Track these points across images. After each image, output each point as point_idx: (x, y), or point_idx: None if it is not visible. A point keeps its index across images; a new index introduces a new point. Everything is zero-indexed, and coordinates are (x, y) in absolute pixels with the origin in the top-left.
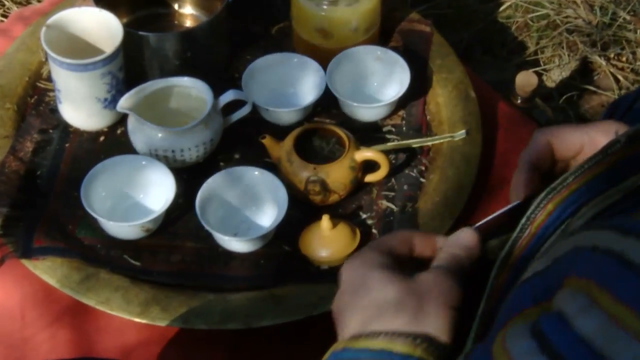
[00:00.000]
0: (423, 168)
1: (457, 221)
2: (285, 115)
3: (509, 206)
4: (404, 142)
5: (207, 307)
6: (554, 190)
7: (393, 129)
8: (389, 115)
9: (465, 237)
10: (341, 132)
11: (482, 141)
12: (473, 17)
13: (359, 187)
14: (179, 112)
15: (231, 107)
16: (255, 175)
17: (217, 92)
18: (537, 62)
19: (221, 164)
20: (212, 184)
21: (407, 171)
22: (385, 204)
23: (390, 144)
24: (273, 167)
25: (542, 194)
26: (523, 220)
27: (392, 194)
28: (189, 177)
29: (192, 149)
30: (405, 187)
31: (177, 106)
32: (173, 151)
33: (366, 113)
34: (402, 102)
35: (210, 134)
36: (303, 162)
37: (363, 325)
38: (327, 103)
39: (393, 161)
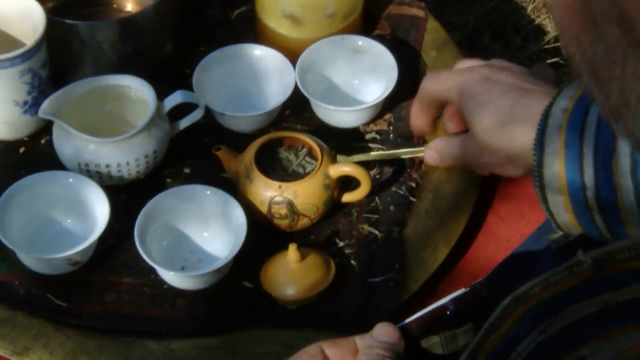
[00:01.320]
0: (413, 185)
1: (454, 251)
2: (245, 121)
3: (446, 299)
4: (391, 152)
5: (148, 357)
6: (519, 299)
7: (378, 137)
8: (373, 120)
9: (385, 334)
10: (313, 142)
11: None
12: None
13: (334, 208)
14: (116, 118)
15: (180, 112)
16: (208, 194)
17: (163, 92)
18: (557, 52)
19: (167, 180)
20: (156, 206)
21: (394, 188)
22: (367, 228)
23: (373, 154)
24: (230, 184)
25: (507, 301)
26: (487, 326)
27: (376, 216)
28: (127, 197)
29: (131, 163)
30: (392, 208)
31: (114, 111)
32: (108, 166)
33: (344, 117)
34: (389, 104)
35: (153, 144)
36: (266, 179)
37: None
38: (297, 106)
39: (377, 176)
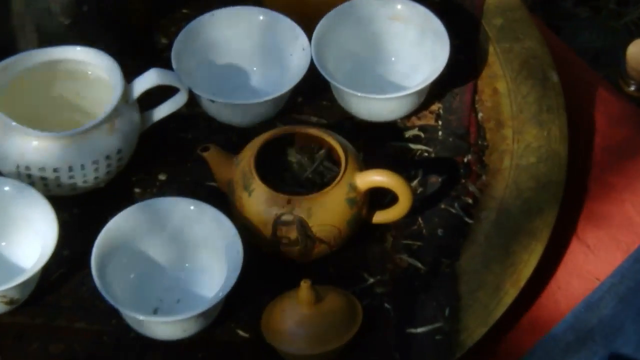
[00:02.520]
0: (470, 200)
1: (525, 292)
2: (242, 111)
3: None
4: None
5: None
6: None
7: (421, 135)
8: (416, 112)
9: None
10: (334, 141)
11: (568, 156)
12: None
13: (362, 232)
14: (68, 104)
15: (154, 97)
16: (192, 211)
17: (132, 71)
18: None
19: (136, 191)
20: (120, 226)
21: (443, 205)
22: (406, 260)
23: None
24: (221, 198)
25: None
26: None
27: (418, 243)
28: (81, 213)
29: (87, 166)
30: (440, 232)
31: (65, 95)
32: (56, 170)
33: (377, 108)
34: (438, 90)
35: (117, 141)
36: (270, 191)
37: None
38: (313, 91)
39: (419, 188)
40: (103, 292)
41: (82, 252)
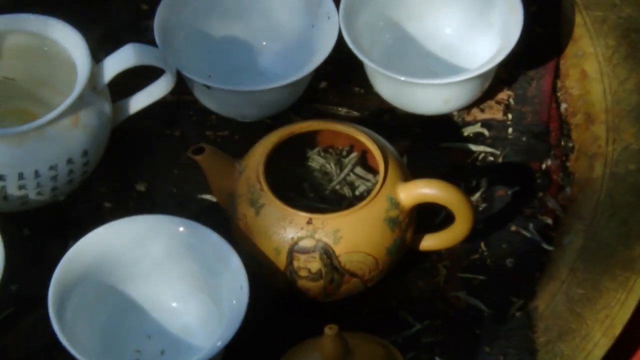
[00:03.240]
0: (549, 221)
1: (621, 342)
2: (247, 99)
3: None
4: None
5: None
6: None
7: (485, 133)
8: (478, 102)
9: None
10: (369, 141)
11: None
12: None
13: (406, 262)
14: (17, 91)
15: (132, 82)
16: (180, 234)
17: (102, 47)
18: None
19: (106, 206)
20: (86, 253)
21: (513, 227)
22: (464, 299)
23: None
24: (219, 215)
25: None
26: None
27: (481, 277)
28: (34, 235)
29: (42, 173)
30: (510, 263)
31: (12, 77)
32: (1, 178)
33: (426, 97)
34: (507, 74)
35: (82, 140)
36: (285, 207)
37: None
38: (342, 74)
39: (482, 205)
40: (63, 341)
41: (35, 287)
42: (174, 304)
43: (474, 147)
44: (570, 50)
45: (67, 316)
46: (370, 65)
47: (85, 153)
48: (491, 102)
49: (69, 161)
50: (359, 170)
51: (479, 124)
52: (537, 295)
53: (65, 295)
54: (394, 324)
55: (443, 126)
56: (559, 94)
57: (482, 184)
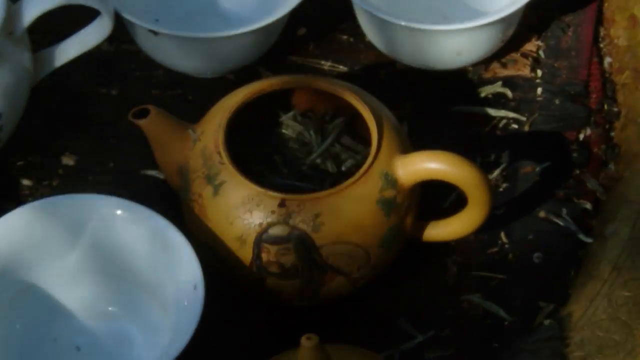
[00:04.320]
0: (588, 205)
1: None
2: (204, 49)
3: None
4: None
5: None
6: None
7: (508, 94)
8: (499, 56)
9: None
10: (359, 103)
11: None
12: None
13: (407, 256)
14: None
15: (58, 27)
16: (117, 217)
17: None
18: None
19: (23, 183)
20: (0, 243)
21: (542, 214)
22: (479, 303)
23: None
24: (167, 195)
25: None
26: None
27: (500, 276)
28: None
29: None
30: (536, 258)
31: None
32: None
33: (434, 47)
34: (536, 19)
35: None
36: (251, 185)
37: None
38: (324, 19)
39: (504, 185)
40: None
41: None
42: (110, 308)
43: (493, 112)
44: None
45: None
46: (361, 6)
47: None
48: (516, 55)
49: None
50: (345, 139)
51: (500, 83)
52: (571, 299)
53: None
54: (390, 335)
55: (455, 85)
56: (601, 46)
57: (503, 158)
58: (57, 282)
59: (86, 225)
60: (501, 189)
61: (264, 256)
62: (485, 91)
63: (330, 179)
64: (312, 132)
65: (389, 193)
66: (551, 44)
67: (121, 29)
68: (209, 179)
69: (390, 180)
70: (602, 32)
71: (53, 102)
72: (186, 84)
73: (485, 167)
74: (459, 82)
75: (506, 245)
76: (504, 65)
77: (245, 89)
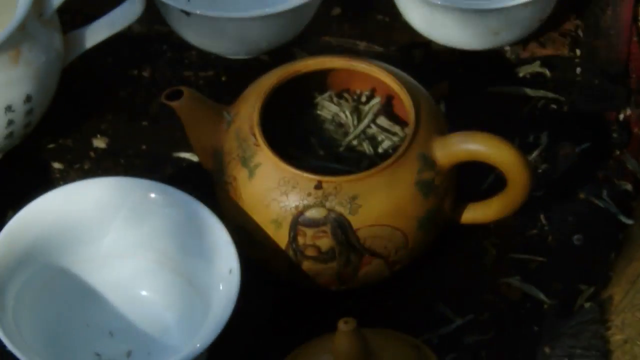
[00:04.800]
0: (629, 187)
1: None
2: (237, 30)
3: None
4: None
5: None
6: None
7: (547, 73)
8: (537, 35)
9: None
10: (396, 84)
11: None
12: None
13: (445, 239)
14: None
15: (88, 7)
16: (151, 201)
17: None
18: None
19: (55, 167)
20: (31, 226)
21: (582, 194)
22: (518, 286)
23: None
24: (202, 178)
25: None
26: None
27: (540, 259)
28: None
29: None
30: (578, 240)
31: None
32: None
33: (470, 26)
34: None
35: (24, 81)
36: (287, 167)
37: None
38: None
39: (543, 166)
40: (1, 336)
41: None
42: (144, 292)
43: (531, 92)
44: None
45: (7, 306)
46: None
47: (28, 98)
48: (554, 35)
49: (8, 109)
50: (382, 120)
51: (539, 63)
52: (612, 282)
53: (5, 281)
54: (428, 319)
55: (492, 65)
56: None
57: (542, 139)
58: (90, 267)
59: (119, 209)
60: (540, 171)
61: (300, 239)
62: (524, 71)
63: (366, 160)
64: (348, 113)
65: (427, 175)
66: (590, 23)
67: (152, 10)
68: (244, 161)
69: (428, 162)
70: None
71: (84, 84)
72: (219, 66)
73: (523, 149)
74: (497, 62)
75: (545, 228)
76: (543, 45)
77: (280, 70)
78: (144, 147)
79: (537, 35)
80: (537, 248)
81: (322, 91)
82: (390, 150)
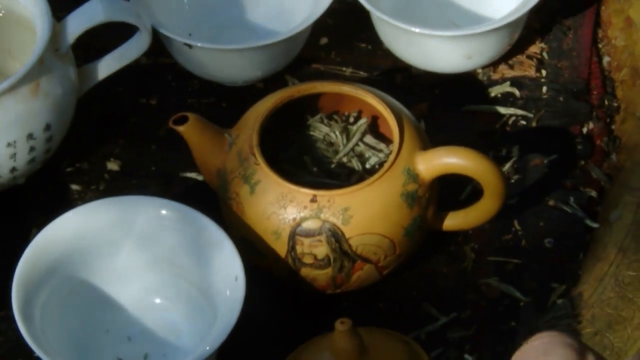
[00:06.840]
0: (593, 193)
1: None
2: (235, 60)
3: None
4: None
5: None
6: None
7: (516, 93)
8: (506, 58)
9: None
10: (380, 105)
11: None
12: None
13: (428, 245)
14: None
15: (100, 43)
16: (162, 217)
17: (64, 5)
18: None
19: (73, 188)
20: (53, 243)
21: (551, 201)
22: (496, 286)
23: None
24: (208, 195)
25: None
26: None
27: (515, 261)
28: None
29: None
30: (548, 243)
31: None
32: None
33: (446, 52)
34: (540, 22)
35: (44, 111)
36: (284, 183)
37: None
38: (345, 28)
39: (515, 176)
40: (32, 344)
41: None
42: (158, 300)
43: (502, 110)
44: None
45: (35, 315)
46: (378, 16)
47: (47, 127)
48: (521, 57)
49: (30, 137)
50: (369, 139)
51: (508, 83)
52: (581, 280)
53: (32, 293)
54: (416, 318)
55: (466, 86)
56: (600, 46)
57: (513, 152)
58: (108, 278)
59: (133, 225)
60: (513, 181)
61: (298, 248)
62: (495, 91)
63: (356, 175)
64: (337, 133)
65: (411, 187)
66: (554, 46)
67: (158, 44)
68: (245, 178)
69: (412, 175)
70: (600, 34)
71: (98, 112)
72: (219, 93)
73: (497, 161)
74: (470, 84)
75: (519, 232)
76: (511, 67)
77: (275, 96)
78: (153, 168)
79: (506, 58)
80: (513, 251)
81: (314, 114)
82: (377, 166)
